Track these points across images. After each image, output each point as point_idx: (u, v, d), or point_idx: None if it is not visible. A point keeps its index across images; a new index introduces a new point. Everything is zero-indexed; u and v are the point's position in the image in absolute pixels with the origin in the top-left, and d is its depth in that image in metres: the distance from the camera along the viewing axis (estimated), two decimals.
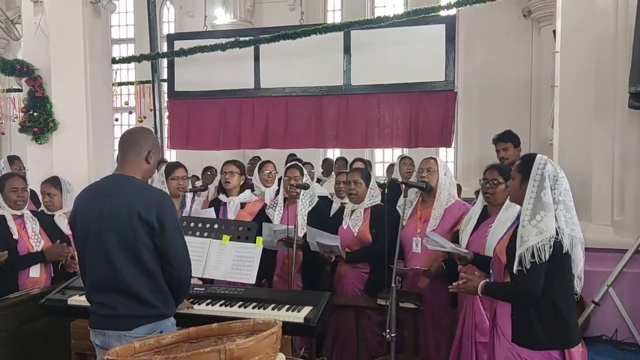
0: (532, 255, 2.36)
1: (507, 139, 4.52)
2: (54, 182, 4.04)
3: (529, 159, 2.53)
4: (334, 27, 6.55)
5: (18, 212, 3.66)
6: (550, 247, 2.37)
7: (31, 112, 5.72)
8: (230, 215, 4.12)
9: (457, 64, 7.05)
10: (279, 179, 4.65)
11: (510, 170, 2.74)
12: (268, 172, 4.57)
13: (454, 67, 6.69)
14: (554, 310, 2.42)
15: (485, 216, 3.37)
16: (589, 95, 4.43)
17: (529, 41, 9.99)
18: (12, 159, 5.07)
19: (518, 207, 2.72)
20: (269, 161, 4.73)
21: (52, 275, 3.71)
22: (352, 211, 4.01)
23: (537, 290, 2.40)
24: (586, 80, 4.42)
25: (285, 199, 4.29)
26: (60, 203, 4.00)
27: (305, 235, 3.93)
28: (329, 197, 4.87)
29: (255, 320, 1.69)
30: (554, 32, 5.34)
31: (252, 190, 4.53)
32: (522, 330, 2.47)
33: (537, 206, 2.42)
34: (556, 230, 2.38)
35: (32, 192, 4.33)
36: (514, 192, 2.60)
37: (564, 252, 2.41)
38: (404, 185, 3.46)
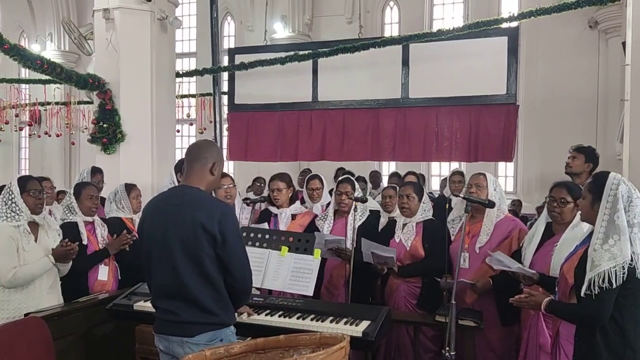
0: (603, 280, 2.26)
1: (581, 150, 4.36)
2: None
3: (601, 178, 2.41)
4: (393, 41, 6.53)
5: (90, 219, 3.87)
6: (623, 273, 2.25)
7: (101, 124, 5.99)
8: (282, 226, 4.15)
9: (519, 77, 6.88)
10: (330, 191, 4.60)
11: (579, 189, 2.64)
12: (312, 188, 4.45)
13: (515, 80, 6.54)
14: (621, 336, 2.31)
15: (550, 234, 3.25)
16: None
17: (596, 53, 9.64)
18: (95, 171, 5.14)
19: (585, 225, 2.62)
20: (315, 176, 4.58)
21: (119, 278, 3.91)
22: (404, 225, 3.97)
23: (604, 316, 2.30)
24: None
25: (335, 212, 4.24)
26: None
27: (355, 248, 3.86)
28: (381, 210, 4.80)
29: (322, 334, 1.70)
30: (623, 44, 5.15)
31: (303, 202, 4.52)
32: (585, 353, 2.37)
33: (610, 229, 2.31)
34: (630, 255, 2.27)
35: (102, 199, 4.53)
36: (586, 212, 2.48)
37: (637, 277, 2.28)
38: (466, 201, 3.40)
